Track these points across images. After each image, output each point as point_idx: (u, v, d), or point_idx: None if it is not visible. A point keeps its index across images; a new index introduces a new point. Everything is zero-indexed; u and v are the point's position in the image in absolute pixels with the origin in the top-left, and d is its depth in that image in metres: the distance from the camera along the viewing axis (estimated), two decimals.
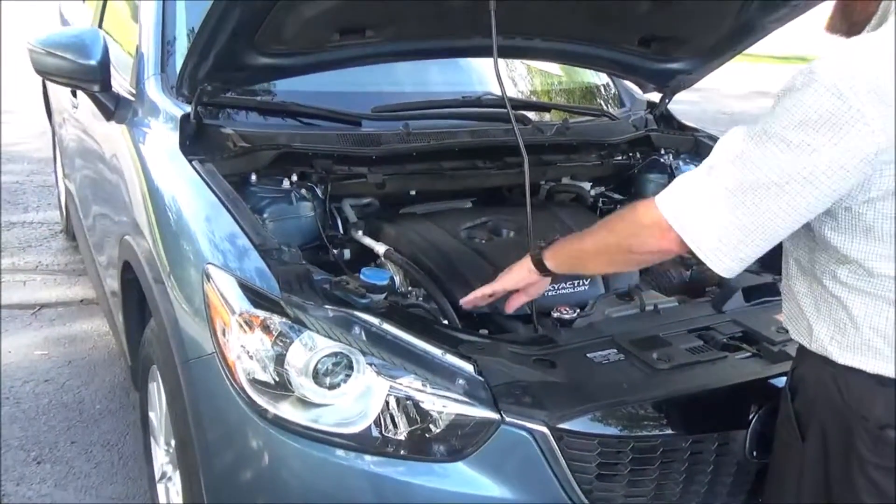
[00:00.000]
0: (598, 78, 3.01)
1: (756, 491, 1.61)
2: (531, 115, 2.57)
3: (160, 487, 2.09)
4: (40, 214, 4.72)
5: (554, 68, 3.05)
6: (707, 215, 1.22)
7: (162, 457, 2.07)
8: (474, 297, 1.72)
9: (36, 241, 4.31)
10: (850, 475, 1.25)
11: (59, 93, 3.50)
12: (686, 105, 7.71)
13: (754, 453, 1.55)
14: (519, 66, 2.99)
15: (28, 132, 6.31)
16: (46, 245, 4.28)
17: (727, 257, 1.23)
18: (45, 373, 3.04)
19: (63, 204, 4.14)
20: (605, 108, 2.85)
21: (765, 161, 1.17)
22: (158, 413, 2.05)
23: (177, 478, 1.88)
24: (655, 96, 2.75)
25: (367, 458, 1.49)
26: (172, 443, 1.88)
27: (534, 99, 2.89)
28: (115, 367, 3.04)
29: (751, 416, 1.54)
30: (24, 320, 3.44)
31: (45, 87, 4.29)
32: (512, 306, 1.70)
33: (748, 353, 1.64)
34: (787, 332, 1.70)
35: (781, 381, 1.57)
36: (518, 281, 1.65)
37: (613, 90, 2.99)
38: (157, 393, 2.01)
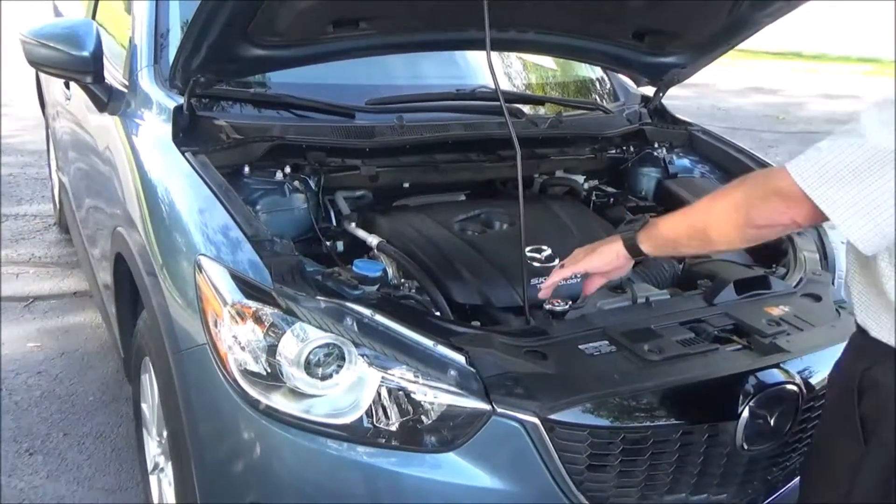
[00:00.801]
0: (593, 72, 3.01)
1: (746, 483, 1.63)
2: (525, 108, 2.57)
3: (152, 479, 2.10)
4: (34, 207, 4.70)
5: (548, 62, 3.05)
6: (848, 186, 1.13)
7: (154, 448, 2.07)
8: (553, 282, 1.63)
9: (29, 234, 4.31)
10: None
11: (53, 85, 3.49)
12: (682, 100, 7.74)
13: (744, 444, 1.56)
14: (513, 59, 2.99)
15: (22, 125, 6.29)
16: (40, 237, 4.27)
17: (872, 232, 1.13)
18: (37, 364, 3.03)
19: (56, 196, 4.13)
20: (599, 101, 2.85)
21: None
22: (151, 404, 2.05)
23: (169, 469, 1.88)
24: (650, 90, 2.75)
25: (359, 448, 1.50)
26: (164, 434, 1.88)
27: (528, 92, 2.89)
28: (108, 359, 3.04)
29: (741, 408, 1.55)
30: (17, 312, 3.43)
31: (38, 79, 4.28)
32: (590, 289, 1.64)
33: (739, 346, 1.65)
34: (777, 324, 1.72)
35: (772, 373, 1.59)
36: (606, 264, 1.56)
37: (608, 84, 2.99)
38: (150, 384, 2.01)
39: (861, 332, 1.29)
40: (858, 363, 1.29)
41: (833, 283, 1.96)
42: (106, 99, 2.39)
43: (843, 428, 1.29)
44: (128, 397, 2.59)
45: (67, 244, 4.00)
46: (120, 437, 2.62)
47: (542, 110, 2.68)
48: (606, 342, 1.61)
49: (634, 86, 2.84)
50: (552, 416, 1.45)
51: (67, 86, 2.98)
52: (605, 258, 1.55)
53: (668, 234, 1.46)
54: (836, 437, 1.33)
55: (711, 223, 1.36)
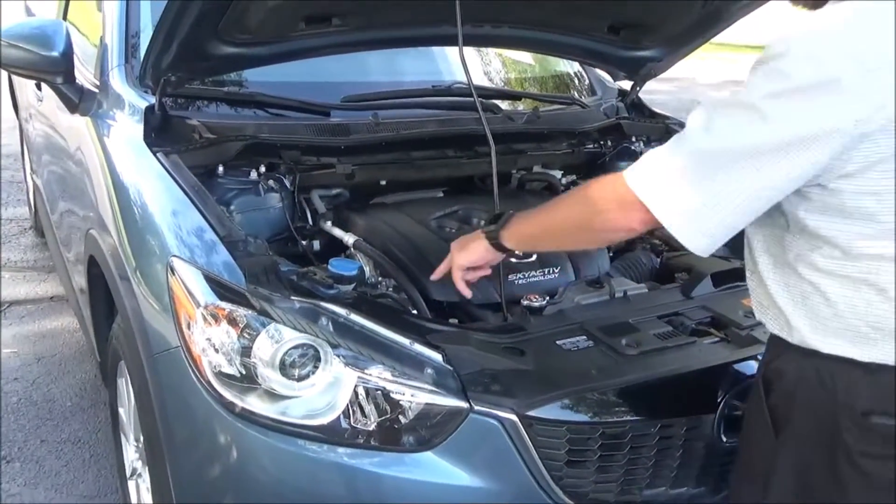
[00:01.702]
0: (570, 66, 3.01)
1: (726, 474, 1.62)
2: (502, 103, 2.56)
3: (131, 484, 2.07)
4: (9, 211, 4.65)
5: (526, 57, 3.04)
6: (678, 190, 1.17)
7: (132, 453, 2.04)
8: (441, 271, 1.71)
9: (5, 238, 4.25)
10: (836, 469, 1.20)
11: (25, 86, 3.45)
12: (661, 94, 7.74)
13: (723, 437, 1.56)
14: (491, 55, 2.98)
15: None
16: (15, 242, 4.22)
17: (699, 233, 1.18)
18: (13, 371, 2.99)
19: (32, 200, 4.08)
20: (576, 96, 2.84)
21: (736, 132, 1.13)
22: (127, 409, 2.03)
23: (147, 474, 1.85)
24: (627, 84, 2.75)
25: (337, 449, 1.48)
26: (141, 439, 1.85)
27: (505, 88, 2.88)
28: (86, 364, 3.01)
29: (719, 400, 1.55)
30: None
31: (10, 80, 4.23)
32: (472, 281, 1.69)
33: (716, 338, 1.65)
34: (754, 316, 1.72)
35: (749, 365, 1.59)
36: (478, 259, 1.64)
37: (585, 79, 2.98)
38: (126, 389, 1.98)
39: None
40: (765, 357, 1.32)
41: None
42: (77, 99, 2.36)
43: (759, 423, 1.30)
44: (105, 402, 2.56)
45: (43, 248, 3.95)
46: (98, 442, 2.59)
47: (519, 106, 2.67)
48: (584, 337, 1.60)
49: (611, 80, 2.83)
50: (530, 413, 1.44)
51: (39, 87, 2.94)
52: (475, 254, 1.63)
53: (526, 231, 1.53)
54: (752, 432, 1.34)
55: (561, 226, 1.44)
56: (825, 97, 1.07)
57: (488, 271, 1.69)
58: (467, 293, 1.70)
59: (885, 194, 1.11)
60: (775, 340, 1.28)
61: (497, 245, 1.58)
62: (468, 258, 1.64)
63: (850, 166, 1.10)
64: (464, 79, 2.00)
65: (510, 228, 1.55)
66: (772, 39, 1.13)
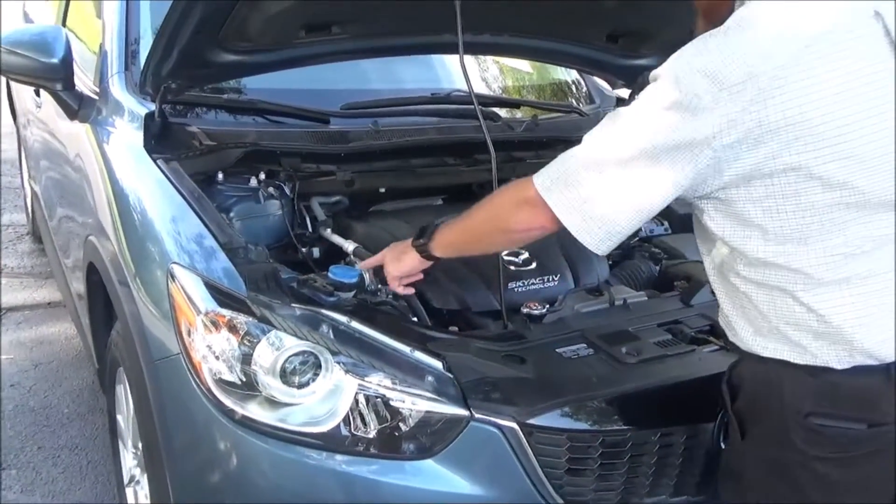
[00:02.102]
0: (568, 75, 3.02)
1: None
2: (501, 111, 2.57)
3: (129, 491, 2.06)
4: (6, 217, 4.63)
5: (524, 65, 3.05)
6: (573, 190, 1.26)
7: (130, 460, 2.04)
8: (368, 266, 1.75)
9: (2, 244, 4.24)
10: (792, 472, 1.25)
11: (23, 93, 3.44)
12: None
13: (723, 444, 1.56)
14: (490, 63, 2.99)
15: None
16: (13, 248, 4.21)
17: (594, 232, 1.26)
18: (10, 377, 2.98)
19: (29, 206, 4.08)
20: (575, 104, 2.85)
21: (615, 138, 1.23)
22: (126, 415, 2.02)
23: (145, 481, 1.85)
24: (625, 93, 2.76)
25: (337, 457, 1.48)
26: (140, 445, 1.85)
27: (504, 96, 2.89)
28: (83, 371, 3.00)
29: (719, 408, 1.54)
30: None
31: (9, 86, 4.22)
32: (409, 291, 1.74)
33: (716, 346, 1.65)
34: None
35: None
36: (412, 269, 1.67)
37: (583, 87, 3.00)
38: (125, 395, 1.98)
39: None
40: (731, 363, 1.38)
41: None
42: (76, 106, 2.35)
43: (730, 426, 1.36)
44: (103, 408, 2.55)
45: (41, 254, 3.94)
46: (96, 448, 2.58)
47: (518, 114, 2.68)
48: (584, 345, 1.60)
49: (609, 88, 2.84)
50: (530, 421, 1.44)
51: (38, 93, 2.94)
52: (407, 266, 1.66)
53: (450, 239, 1.57)
54: (730, 435, 1.39)
55: (480, 230, 1.50)
56: (689, 112, 1.15)
57: (421, 276, 1.72)
58: (409, 292, 1.74)
59: (766, 202, 1.18)
60: (735, 348, 1.35)
61: (427, 256, 1.61)
62: (401, 269, 1.68)
63: (725, 177, 1.18)
64: (463, 86, 2.01)
65: (437, 239, 1.58)
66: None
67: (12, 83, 3.95)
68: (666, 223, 2.32)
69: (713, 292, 1.40)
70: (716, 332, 1.70)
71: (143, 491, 1.91)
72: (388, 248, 1.71)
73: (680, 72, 1.16)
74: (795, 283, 1.20)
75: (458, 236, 1.55)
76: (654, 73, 1.22)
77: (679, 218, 2.31)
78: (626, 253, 2.19)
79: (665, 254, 2.14)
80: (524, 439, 1.44)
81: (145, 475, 1.82)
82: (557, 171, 1.30)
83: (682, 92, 1.15)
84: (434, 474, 1.47)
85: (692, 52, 1.18)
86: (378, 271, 1.85)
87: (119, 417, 2.11)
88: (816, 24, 1.16)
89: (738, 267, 1.26)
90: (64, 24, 3.14)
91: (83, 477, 2.46)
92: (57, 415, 2.78)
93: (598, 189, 1.24)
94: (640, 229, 2.25)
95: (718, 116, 1.14)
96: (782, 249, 1.20)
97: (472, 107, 2.01)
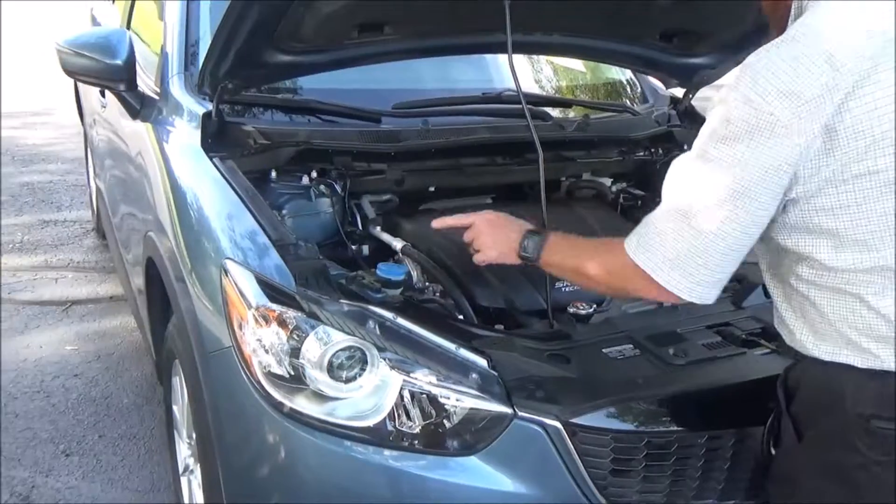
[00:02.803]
0: (622, 74, 2.99)
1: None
2: (553, 111, 2.56)
3: (183, 480, 2.12)
4: (73, 213, 4.81)
5: (577, 64, 3.03)
6: (667, 251, 1.22)
7: (185, 450, 2.10)
8: (447, 224, 1.75)
9: (68, 239, 4.40)
10: (852, 476, 1.22)
11: (90, 93, 3.57)
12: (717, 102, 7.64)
13: (773, 450, 1.53)
14: (542, 62, 2.98)
15: (62, 132, 6.44)
16: (78, 243, 4.36)
17: (698, 287, 1.23)
18: (74, 368, 3.10)
19: (94, 202, 4.22)
20: (627, 104, 2.83)
21: (700, 183, 1.19)
22: (181, 406, 2.08)
23: (198, 471, 1.90)
24: (680, 92, 2.72)
25: (385, 452, 1.50)
26: (194, 436, 1.90)
27: (556, 95, 2.88)
28: (143, 363, 3.09)
29: (771, 412, 1.52)
30: (55, 316, 3.51)
31: (76, 87, 4.38)
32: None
33: (767, 350, 1.62)
34: None
35: None
36: (505, 261, 1.62)
37: (637, 86, 2.96)
38: (180, 387, 2.04)
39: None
40: (787, 366, 1.35)
41: None
42: (138, 106, 2.44)
43: (784, 428, 1.33)
44: (160, 399, 2.63)
45: (104, 249, 4.08)
46: (153, 438, 2.66)
47: (571, 113, 2.67)
48: (631, 346, 1.59)
49: (664, 88, 2.81)
50: (574, 420, 1.44)
51: (103, 94, 3.04)
52: (503, 258, 1.61)
53: (556, 261, 1.52)
54: (780, 438, 1.37)
55: (584, 276, 1.43)
56: (767, 135, 1.12)
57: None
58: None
59: (839, 209, 1.15)
60: (791, 351, 1.32)
61: (527, 260, 1.57)
62: (494, 258, 1.63)
63: (801, 188, 1.15)
64: (513, 86, 2.01)
65: (544, 256, 1.54)
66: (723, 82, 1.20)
67: (80, 85, 4.09)
68: None
69: (766, 293, 1.37)
70: (768, 334, 1.67)
71: (197, 480, 1.97)
72: (486, 220, 1.66)
73: (750, 93, 1.12)
74: (866, 288, 1.17)
75: (564, 269, 1.52)
76: (718, 97, 1.18)
77: None
78: None
79: None
80: (568, 439, 1.44)
81: (198, 465, 1.88)
82: (646, 236, 1.27)
83: (757, 115, 1.11)
84: (478, 471, 1.47)
85: (760, 70, 1.13)
86: (425, 269, 1.87)
87: (175, 408, 2.17)
88: (884, 27, 1.13)
89: (800, 270, 1.23)
90: (128, 27, 3.25)
91: (141, 465, 2.54)
92: (117, 404, 2.87)
93: (690, 244, 1.20)
94: None
95: (799, 134, 1.11)
96: (853, 256, 1.17)
97: (522, 106, 2.01)
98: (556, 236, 1.54)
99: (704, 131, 1.19)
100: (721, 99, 1.17)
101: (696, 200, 1.19)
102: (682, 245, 1.21)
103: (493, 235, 1.63)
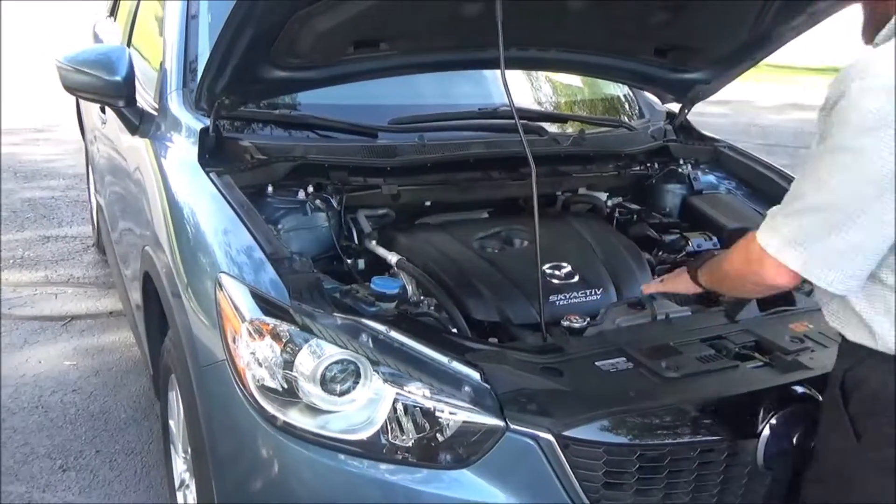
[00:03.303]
0: (618, 89, 3.01)
1: (769, 499, 1.59)
2: (550, 126, 2.58)
3: (179, 495, 2.12)
4: (73, 229, 4.82)
5: (574, 80, 3.05)
6: (807, 243, 1.24)
7: (181, 465, 2.10)
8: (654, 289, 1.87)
9: (69, 255, 4.41)
10: None
11: (91, 109, 3.59)
12: (718, 117, 7.66)
13: (765, 463, 1.53)
14: (539, 77, 3.00)
15: (64, 148, 6.47)
16: (78, 258, 4.37)
17: (839, 278, 1.23)
18: (73, 383, 3.10)
19: (95, 218, 4.24)
20: (624, 119, 2.84)
21: (840, 178, 1.20)
22: (177, 421, 2.08)
23: (193, 485, 1.90)
24: (675, 107, 2.74)
25: (375, 465, 1.50)
26: (189, 450, 1.90)
27: (552, 110, 2.90)
28: (141, 378, 3.10)
29: (761, 426, 1.52)
30: (55, 331, 3.52)
31: (78, 104, 4.41)
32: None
33: (760, 363, 1.62)
34: (801, 341, 1.70)
35: (793, 391, 1.57)
36: (685, 289, 1.76)
37: (633, 101, 2.98)
38: (176, 401, 2.04)
39: (841, 337, 1.38)
40: (842, 366, 1.36)
41: None
42: (137, 122, 2.45)
43: (836, 429, 1.34)
44: (158, 415, 2.63)
45: (104, 265, 4.09)
46: (150, 453, 2.66)
47: (569, 128, 2.68)
48: (623, 359, 1.60)
49: (660, 103, 2.83)
50: (567, 433, 1.44)
51: (103, 110, 3.06)
52: (682, 287, 1.76)
53: (709, 277, 1.63)
54: (829, 438, 1.38)
55: (728, 277, 1.49)
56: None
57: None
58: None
59: None
60: (853, 349, 1.33)
61: (696, 281, 1.68)
62: (675, 287, 1.79)
63: None
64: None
65: (702, 272, 1.66)
66: (843, 75, 1.21)
67: (81, 101, 4.12)
68: (715, 238, 2.29)
69: (760, 307, 1.39)
70: (761, 347, 1.68)
71: (192, 495, 1.97)
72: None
73: (889, 81, 1.14)
74: None
75: (713, 276, 1.61)
76: (849, 85, 1.19)
77: (727, 233, 2.28)
78: (673, 268, 2.17)
79: None
80: (560, 452, 1.44)
81: (194, 479, 1.88)
82: (781, 227, 1.28)
83: (879, 118, 1.14)
84: (471, 485, 1.47)
85: (877, 71, 1.16)
86: (420, 283, 1.88)
87: (171, 423, 2.17)
88: None
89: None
90: (129, 43, 3.27)
91: (138, 481, 2.54)
92: (115, 420, 2.87)
93: (833, 238, 1.21)
94: (687, 244, 2.24)
95: None
96: None
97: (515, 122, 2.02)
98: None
99: (836, 121, 1.19)
100: (857, 89, 1.17)
101: (837, 199, 1.20)
102: (837, 241, 1.21)
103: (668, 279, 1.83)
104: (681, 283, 1.75)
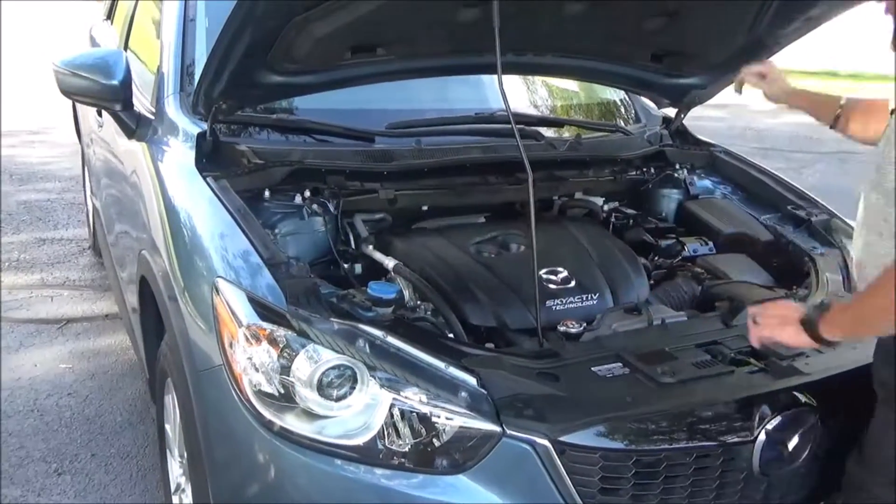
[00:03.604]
0: (615, 94, 3.02)
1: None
2: (547, 131, 2.58)
3: (175, 499, 2.12)
4: (69, 231, 4.81)
5: (571, 85, 3.06)
6: None
7: (176, 469, 2.10)
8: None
9: (64, 258, 4.40)
10: None
11: (87, 112, 3.59)
12: (714, 122, 7.67)
13: (760, 468, 1.54)
14: (536, 82, 3.01)
15: (60, 151, 6.46)
16: (74, 261, 4.36)
17: None
18: (68, 386, 3.09)
19: (91, 221, 4.23)
20: (620, 124, 2.85)
21: None
22: (173, 425, 2.08)
23: (189, 490, 1.90)
24: (672, 112, 2.75)
25: (372, 470, 1.50)
26: (185, 454, 1.90)
27: (549, 115, 2.90)
28: (137, 381, 3.09)
29: (757, 431, 1.53)
30: (50, 334, 3.51)
31: (74, 107, 4.40)
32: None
33: (756, 368, 1.63)
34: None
35: (788, 396, 1.58)
36: (791, 343, 1.56)
37: (630, 106, 2.99)
38: (172, 405, 2.04)
39: None
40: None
41: None
42: (134, 126, 2.45)
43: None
44: (153, 418, 2.62)
45: (100, 268, 4.09)
46: (145, 457, 2.66)
47: (564, 133, 2.69)
48: (620, 364, 1.60)
49: (656, 108, 2.84)
50: (563, 439, 1.45)
51: (100, 113, 3.06)
52: (790, 339, 1.54)
53: (855, 318, 1.45)
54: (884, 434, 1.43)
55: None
56: None
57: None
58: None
59: None
60: None
61: (816, 336, 1.49)
62: (778, 337, 1.57)
63: None
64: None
65: (831, 317, 1.47)
66: None
67: (79, 105, 4.12)
68: (710, 243, 2.30)
69: None
70: (757, 353, 1.68)
71: (188, 499, 1.96)
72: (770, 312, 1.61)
73: None
74: None
75: (858, 319, 1.45)
76: None
77: (723, 238, 2.29)
78: (669, 273, 2.18)
79: (708, 274, 2.12)
80: (556, 457, 1.44)
81: (190, 484, 1.87)
82: None
83: None
84: (467, 490, 1.48)
85: None
86: (417, 288, 1.88)
87: (167, 427, 2.17)
88: None
89: None
90: (126, 47, 3.27)
91: (133, 485, 2.53)
92: (111, 423, 2.86)
93: None
94: (683, 249, 2.24)
95: None
96: None
97: (512, 126, 2.02)
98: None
99: None
100: None
101: None
102: None
103: (776, 323, 1.58)
104: (787, 338, 1.54)
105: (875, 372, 1.53)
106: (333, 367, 1.51)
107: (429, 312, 1.81)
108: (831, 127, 1.96)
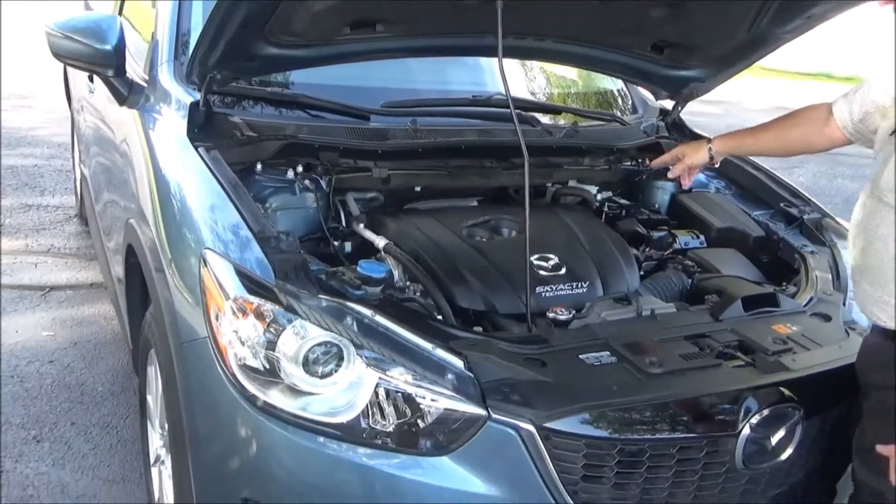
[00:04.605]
0: (613, 84, 3.00)
1: (746, 497, 1.60)
2: (543, 117, 2.57)
3: (154, 471, 2.11)
4: (56, 198, 4.77)
5: (570, 73, 3.04)
6: None
7: (157, 440, 2.08)
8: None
9: (50, 225, 4.36)
10: None
11: (78, 78, 3.54)
12: (708, 117, 7.68)
13: (743, 462, 1.54)
14: (534, 68, 2.99)
15: (49, 117, 6.39)
16: (60, 228, 4.32)
17: None
18: (50, 353, 3.07)
19: (79, 188, 4.19)
20: (617, 113, 2.84)
21: None
22: (155, 396, 2.07)
23: (169, 462, 1.89)
24: (669, 104, 2.74)
25: (354, 448, 1.49)
26: (166, 426, 1.89)
27: (547, 101, 2.89)
28: (120, 351, 3.07)
29: (741, 425, 1.53)
30: (33, 301, 3.48)
31: (65, 72, 4.34)
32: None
33: (742, 362, 1.63)
34: (784, 342, 1.70)
35: (773, 391, 1.58)
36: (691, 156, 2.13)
37: (627, 96, 2.98)
38: (155, 376, 2.02)
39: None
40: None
41: (844, 304, 1.94)
42: (126, 92, 2.42)
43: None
44: (135, 389, 2.61)
45: (86, 236, 4.05)
46: (126, 428, 2.64)
47: (562, 120, 2.68)
48: (607, 353, 1.59)
49: (654, 99, 2.82)
50: (548, 425, 1.44)
51: (91, 79, 3.02)
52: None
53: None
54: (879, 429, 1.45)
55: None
56: None
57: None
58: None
59: None
60: None
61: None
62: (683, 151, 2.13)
63: None
64: (503, 90, 2.01)
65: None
66: None
67: (69, 70, 4.06)
68: (702, 237, 2.30)
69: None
70: (744, 347, 1.68)
71: (168, 471, 1.95)
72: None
73: None
74: None
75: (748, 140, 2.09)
76: None
77: (715, 232, 2.29)
78: (660, 264, 2.18)
79: (698, 267, 2.12)
80: (541, 443, 1.44)
81: (170, 456, 1.86)
82: None
83: None
84: (450, 472, 1.47)
85: None
86: (407, 268, 1.87)
87: (149, 398, 2.16)
88: None
89: None
90: (121, 13, 3.22)
91: (112, 454, 2.52)
92: (91, 393, 2.85)
93: None
94: (674, 241, 2.24)
95: None
96: None
97: (510, 110, 2.01)
98: None
99: None
100: None
101: None
102: None
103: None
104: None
105: (860, 373, 1.53)
106: (320, 344, 1.50)
107: (418, 293, 1.80)
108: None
